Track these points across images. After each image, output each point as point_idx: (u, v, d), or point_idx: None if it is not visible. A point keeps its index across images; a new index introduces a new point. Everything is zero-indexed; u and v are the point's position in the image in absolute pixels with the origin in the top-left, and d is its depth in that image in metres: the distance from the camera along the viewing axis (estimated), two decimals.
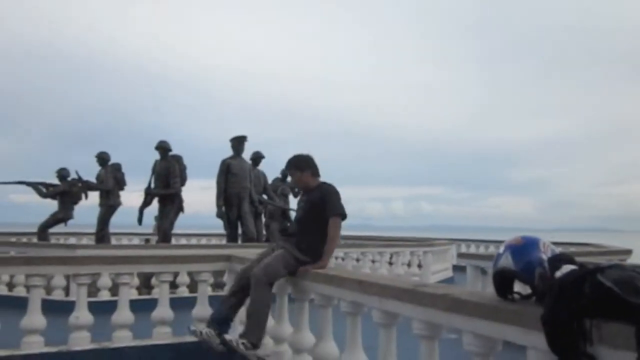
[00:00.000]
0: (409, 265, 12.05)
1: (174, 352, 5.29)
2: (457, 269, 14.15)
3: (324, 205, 4.30)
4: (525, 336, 2.23)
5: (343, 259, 11.19)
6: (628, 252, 9.65)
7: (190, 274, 7.65)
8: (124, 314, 5.26)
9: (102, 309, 5.59)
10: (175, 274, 7.75)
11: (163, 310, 5.43)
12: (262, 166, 12.24)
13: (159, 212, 11.44)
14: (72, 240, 14.40)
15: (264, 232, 12.32)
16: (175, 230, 11.91)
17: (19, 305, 5.66)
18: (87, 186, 12.20)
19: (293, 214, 5.90)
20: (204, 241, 15.35)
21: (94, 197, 12.18)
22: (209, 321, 4.40)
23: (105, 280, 7.37)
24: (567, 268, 2.08)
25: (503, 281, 2.44)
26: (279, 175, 13.01)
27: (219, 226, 11.99)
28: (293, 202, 4.16)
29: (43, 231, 12.35)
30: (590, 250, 10.10)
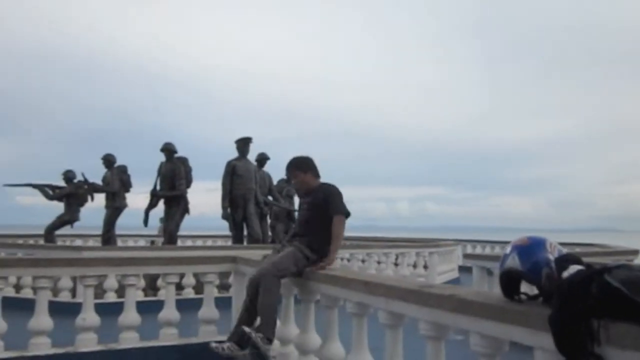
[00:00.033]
0: (414, 266, 12.04)
1: (181, 353, 5.30)
2: (463, 269, 14.12)
3: (327, 205, 4.34)
4: (533, 337, 2.22)
5: (349, 260, 11.19)
6: (635, 252, 9.62)
7: (196, 275, 7.67)
8: (130, 316, 5.28)
9: (109, 311, 5.61)
10: (181, 276, 7.77)
11: (169, 312, 5.45)
12: (267, 167, 12.27)
13: (165, 214, 11.47)
14: (79, 242, 14.46)
15: (270, 233, 12.34)
16: (181, 232, 11.94)
17: (26, 307, 5.68)
18: (93, 188, 12.26)
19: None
20: (209, 243, 15.38)
21: (100, 199, 12.26)
22: (229, 338, 4.39)
23: (111, 282, 7.39)
24: (574, 268, 2.08)
25: (510, 282, 2.43)
26: (284, 177, 13.03)
27: (224, 228, 12.03)
28: (298, 204, 4.22)
29: (50, 233, 12.41)
30: (596, 250, 10.06)
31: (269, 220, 12.45)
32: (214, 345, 4.28)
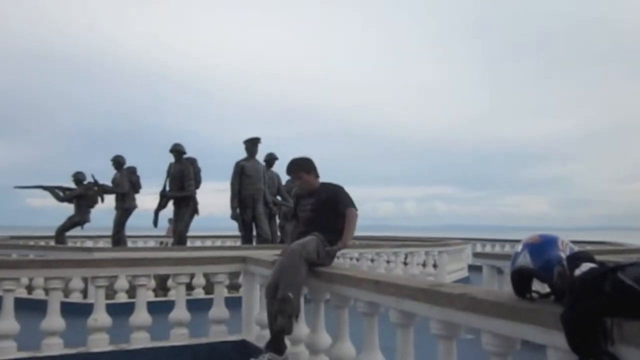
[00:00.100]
0: (424, 265, 12.01)
1: (191, 353, 5.32)
2: (473, 268, 14.06)
3: (336, 202, 4.44)
4: (545, 335, 2.21)
5: (358, 260, 11.18)
6: None
7: (206, 275, 7.69)
8: (141, 316, 5.30)
9: (120, 311, 5.64)
10: (191, 276, 7.79)
11: (180, 312, 5.47)
12: (275, 167, 12.28)
13: (174, 215, 11.51)
14: (89, 243, 14.55)
15: (279, 233, 12.35)
16: (190, 233, 11.98)
17: (38, 307, 5.73)
18: (103, 189, 12.33)
19: None
20: (218, 243, 15.42)
21: (109, 200, 12.33)
22: (266, 346, 4.39)
23: (122, 283, 7.43)
24: (586, 266, 2.06)
25: (521, 280, 2.42)
26: None
27: (233, 228, 12.05)
28: (297, 204, 4.19)
29: (60, 234, 12.50)
30: (607, 248, 9.99)
31: (277, 221, 12.46)
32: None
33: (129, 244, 13.05)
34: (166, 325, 5.44)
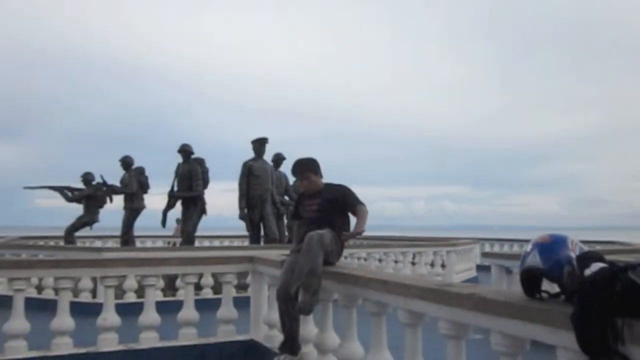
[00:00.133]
0: (432, 265, 11.97)
1: (200, 353, 5.33)
2: (481, 268, 14.01)
3: (343, 202, 4.46)
4: (555, 335, 2.20)
5: (366, 260, 11.17)
6: None
7: (214, 275, 7.71)
8: (150, 316, 5.32)
9: (129, 311, 5.67)
10: (200, 276, 7.81)
11: (188, 312, 5.48)
12: (283, 167, 12.29)
13: (183, 215, 11.55)
14: (98, 243, 14.62)
15: (286, 233, 12.36)
16: (198, 233, 12.02)
17: (48, 307, 5.77)
18: (112, 190, 12.38)
19: None
20: (226, 243, 15.46)
21: (118, 200, 12.38)
22: (280, 347, 4.41)
23: (131, 283, 7.46)
24: (596, 266, 2.05)
25: (531, 280, 2.41)
26: None
27: (241, 228, 12.07)
28: (299, 204, 4.18)
29: (69, 234, 12.57)
30: (617, 248, 9.92)
31: (285, 221, 12.47)
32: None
33: (138, 244, 13.11)
34: (175, 325, 5.46)
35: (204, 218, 11.56)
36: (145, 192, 12.37)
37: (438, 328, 2.95)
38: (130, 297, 7.80)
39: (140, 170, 12.40)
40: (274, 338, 5.12)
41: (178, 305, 5.67)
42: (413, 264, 11.59)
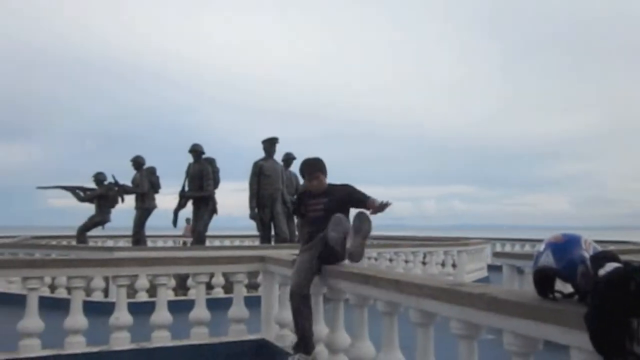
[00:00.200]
0: (442, 265, 11.94)
1: (211, 352, 5.35)
2: (492, 268, 13.94)
3: (349, 201, 4.49)
4: (568, 336, 2.18)
5: (376, 259, 11.15)
6: None
7: (225, 275, 7.74)
8: (162, 315, 5.35)
9: (140, 310, 5.70)
10: (211, 276, 7.84)
11: (200, 311, 5.51)
12: (293, 167, 12.31)
13: (193, 215, 11.61)
14: (110, 243, 14.72)
15: (297, 232, 12.38)
16: (209, 232, 12.07)
17: (61, 306, 5.82)
18: (123, 190, 12.47)
19: None
20: (237, 243, 15.51)
21: (130, 200, 12.47)
22: (294, 347, 4.43)
23: (142, 282, 7.51)
24: (611, 266, 2.03)
25: (544, 280, 2.39)
26: None
27: (251, 228, 12.10)
28: (302, 203, 4.17)
29: (82, 234, 12.68)
30: (631, 248, 9.82)
31: (296, 220, 12.49)
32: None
33: (149, 243, 13.19)
34: (186, 324, 5.49)
35: (214, 218, 11.61)
36: (157, 192, 12.44)
37: (450, 328, 2.94)
38: (142, 297, 7.84)
39: (152, 170, 12.47)
40: (285, 337, 5.14)
41: (189, 305, 5.70)
42: (424, 263, 11.57)
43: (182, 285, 9.09)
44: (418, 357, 3.28)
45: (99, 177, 12.70)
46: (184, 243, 15.39)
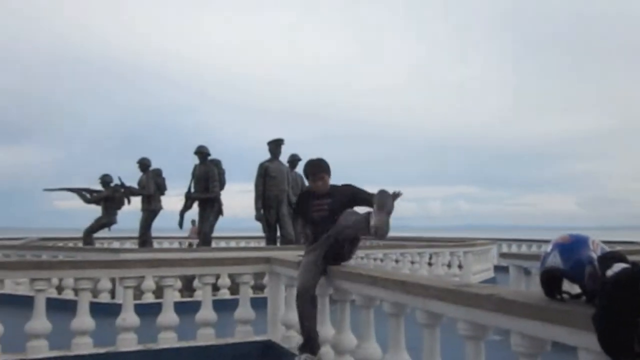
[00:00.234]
0: (449, 265, 11.92)
1: (218, 353, 5.36)
2: (499, 269, 13.90)
3: (354, 200, 4.50)
4: (576, 337, 2.17)
5: (382, 260, 11.15)
6: None
7: (230, 276, 7.75)
8: (168, 316, 5.36)
9: (147, 311, 5.71)
10: (217, 277, 7.85)
11: (206, 312, 5.51)
12: (299, 168, 12.32)
13: (199, 216, 11.64)
14: (116, 245, 14.77)
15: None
16: (215, 234, 12.09)
17: (68, 307, 5.84)
18: (130, 192, 12.51)
19: None
20: (242, 244, 15.53)
21: (136, 202, 12.52)
22: (300, 348, 4.43)
23: (149, 283, 7.53)
24: (618, 266, 2.02)
25: (551, 281, 2.38)
26: None
27: (257, 229, 12.12)
28: (305, 203, 4.18)
29: (88, 236, 12.73)
30: (638, 248, 9.76)
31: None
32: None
33: (155, 245, 13.23)
34: (193, 326, 5.49)
35: (220, 219, 11.64)
36: (163, 193, 12.48)
37: (457, 329, 2.93)
38: (149, 298, 7.87)
39: (158, 172, 12.51)
40: (292, 339, 5.14)
41: (195, 306, 5.71)
42: (430, 264, 11.55)
43: (188, 286, 9.11)
44: (424, 358, 3.27)
45: (105, 179, 12.75)
46: (190, 244, 15.43)
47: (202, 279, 5.71)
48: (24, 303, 6.63)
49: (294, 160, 12.06)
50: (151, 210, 12.24)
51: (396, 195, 4.21)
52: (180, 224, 12.11)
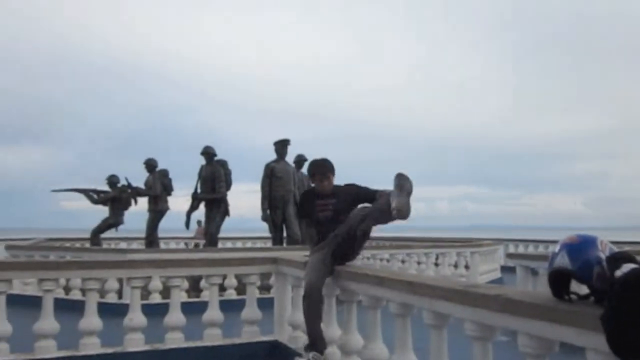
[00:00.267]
0: (455, 266, 11.89)
1: (224, 353, 5.37)
2: (505, 269, 13.86)
3: (358, 199, 4.53)
4: (584, 337, 2.16)
5: (388, 261, 11.13)
6: None
7: (237, 276, 7.76)
8: (175, 316, 5.37)
9: (154, 312, 5.73)
10: (224, 277, 7.86)
11: (213, 313, 5.52)
12: (305, 169, 12.32)
13: (206, 217, 11.66)
14: (123, 245, 14.82)
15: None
16: (221, 234, 12.12)
17: (76, 308, 5.86)
18: (136, 192, 12.56)
19: None
20: (249, 244, 15.54)
21: (142, 202, 12.56)
22: (307, 347, 4.44)
23: (156, 284, 7.54)
24: (627, 267, 2.01)
25: (559, 281, 2.37)
26: None
27: (263, 229, 12.13)
28: (309, 203, 4.19)
29: (95, 236, 12.78)
30: None
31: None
32: (303, 356, 4.35)
33: (162, 245, 13.26)
34: (199, 326, 5.51)
35: (226, 219, 11.66)
36: (169, 194, 12.51)
37: (464, 329, 2.92)
38: (156, 298, 7.89)
39: (164, 173, 12.55)
40: (298, 339, 5.14)
41: (202, 306, 5.72)
42: (436, 265, 11.53)
43: (195, 286, 9.13)
44: (432, 359, 3.27)
45: (112, 180, 12.80)
46: (196, 245, 15.46)
47: (209, 280, 5.72)
48: (32, 303, 6.66)
49: (300, 160, 12.06)
50: (158, 210, 12.28)
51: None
52: (187, 225, 12.16)
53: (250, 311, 5.62)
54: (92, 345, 5.01)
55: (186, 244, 16.29)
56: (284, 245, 11.13)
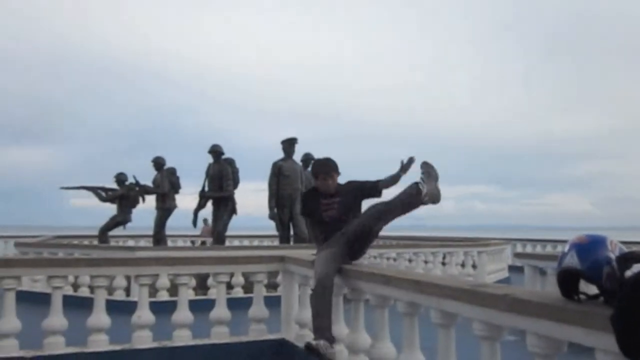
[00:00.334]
0: (462, 265, 11.86)
1: (232, 351, 5.37)
2: (513, 269, 13.81)
3: (362, 194, 4.60)
4: (593, 337, 2.15)
5: (395, 260, 11.12)
6: None
7: (244, 274, 7.77)
8: (183, 314, 5.38)
9: (162, 309, 5.75)
10: (231, 275, 7.88)
11: (220, 311, 5.53)
12: None
13: (213, 215, 11.70)
14: (131, 243, 14.89)
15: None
16: (229, 232, 12.14)
17: (85, 305, 5.90)
18: (144, 190, 12.61)
19: None
20: (256, 242, 15.57)
21: (150, 200, 12.62)
22: (315, 337, 4.43)
23: (163, 281, 7.57)
24: (638, 267, 2.00)
25: (568, 281, 2.35)
26: None
27: (270, 228, 12.14)
28: (311, 203, 4.20)
29: (103, 234, 12.86)
30: None
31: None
32: (314, 343, 4.21)
33: (169, 243, 13.32)
34: (207, 323, 5.52)
35: (234, 218, 11.69)
36: (177, 192, 12.56)
37: (472, 329, 2.92)
38: (163, 296, 7.92)
39: (172, 171, 12.60)
40: (305, 337, 5.13)
41: (209, 304, 5.73)
42: (443, 264, 11.51)
43: (202, 284, 9.16)
44: (439, 358, 3.26)
45: (120, 178, 12.87)
46: (203, 243, 15.51)
47: (217, 277, 5.73)
48: (41, 300, 6.71)
49: (307, 159, 12.06)
50: (166, 208, 12.33)
51: (409, 161, 4.45)
52: (194, 223, 12.21)
53: (258, 309, 5.62)
54: (100, 342, 5.04)
55: (193, 242, 16.36)
56: (291, 243, 11.14)
